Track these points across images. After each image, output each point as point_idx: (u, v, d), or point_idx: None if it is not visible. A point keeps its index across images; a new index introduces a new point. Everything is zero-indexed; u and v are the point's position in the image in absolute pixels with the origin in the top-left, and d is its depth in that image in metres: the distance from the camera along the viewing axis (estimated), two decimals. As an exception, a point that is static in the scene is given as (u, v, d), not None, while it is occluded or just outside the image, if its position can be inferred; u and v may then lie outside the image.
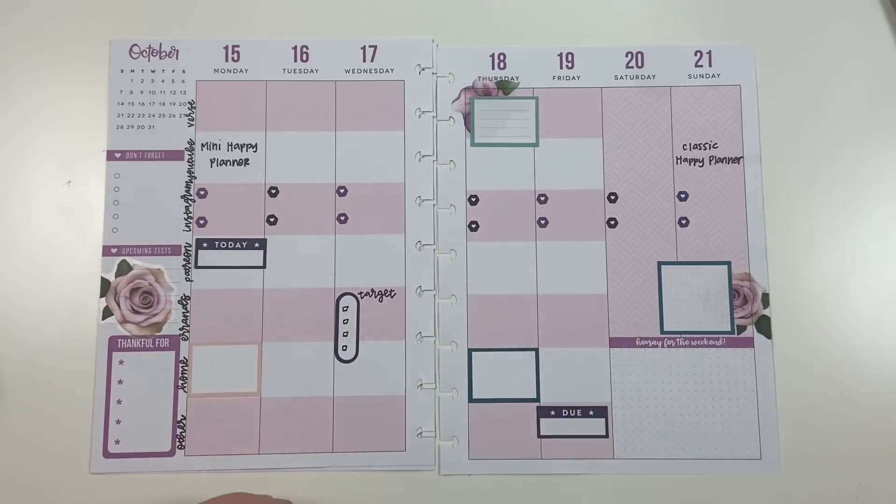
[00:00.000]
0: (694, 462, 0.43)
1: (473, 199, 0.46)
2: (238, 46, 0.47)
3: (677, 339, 0.45)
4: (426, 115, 0.46)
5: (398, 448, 0.43)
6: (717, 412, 0.44)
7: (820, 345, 0.44)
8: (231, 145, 0.46)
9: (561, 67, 0.47)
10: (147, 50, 0.47)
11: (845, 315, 0.45)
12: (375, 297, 0.45)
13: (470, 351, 0.44)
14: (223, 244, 0.45)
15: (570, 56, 0.47)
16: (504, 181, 0.46)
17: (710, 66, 0.47)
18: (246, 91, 0.46)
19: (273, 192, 0.46)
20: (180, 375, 0.44)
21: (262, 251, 0.45)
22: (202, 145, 0.46)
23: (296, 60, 0.47)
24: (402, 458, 0.43)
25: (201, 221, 0.45)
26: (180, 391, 0.44)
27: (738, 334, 0.45)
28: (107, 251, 0.45)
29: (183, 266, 0.45)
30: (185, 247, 0.45)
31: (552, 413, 0.44)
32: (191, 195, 0.45)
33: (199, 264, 0.45)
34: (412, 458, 0.43)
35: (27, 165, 0.46)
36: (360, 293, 0.45)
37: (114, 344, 0.44)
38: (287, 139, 0.46)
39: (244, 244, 0.45)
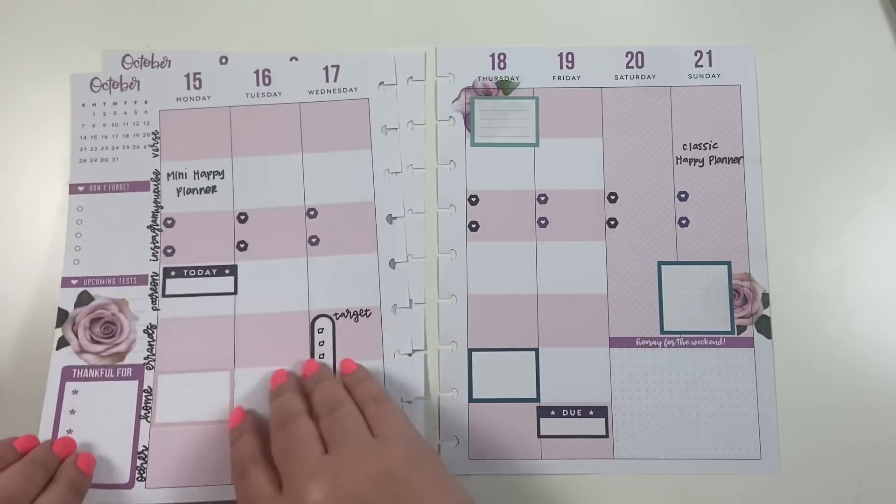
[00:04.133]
0: (694, 462, 0.43)
1: (473, 199, 0.46)
2: (199, 74, 0.46)
3: (677, 339, 0.45)
4: (392, 133, 0.46)
5: None
6: (717, 412, 0.44)
7: (820, 345, 0.44)
8: (197, 173, 0.45)
9: (561, 67, 0.47)
10: (108, 83, 0.46)
11: (845, 315, 0.45)
12: (351, 317, 0.44)
13: (470, 351, 0.44)
14: (192, 272, 0.44)
15: (570, 56, 0.47)
16: (504, 181, 0.46)
17: (710, 66, 0.47)
18: (210, 118, 0.46)
19: (242, 217, 0.45)
20: (143, 405, 0.43)
21: (232, 277, 0.44)
22: (168, 175, 0.45)
23: (258, 84, 0.46)
24: None
25: (169, 250, 0.45)
26: (143, 421, 0.43)
27: (738, 334, 0.45)
28: (66, 283, 0.44)
29: (149, 295, 0.44)
30: (151, 276, 0.44)
31: (552, 413, 0.44)
32: (157, 225, 0.45)
33: (166, 293, 0.44)
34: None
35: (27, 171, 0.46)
36: (336, 314, 0.44)
37: (67, 374, 0.43)
38: (254, 164, 0.45)
39: (214, 271, 0.44)
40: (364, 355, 0.44)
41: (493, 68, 0.47)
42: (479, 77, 0.47)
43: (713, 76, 0.47)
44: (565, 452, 0.43)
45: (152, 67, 0.46)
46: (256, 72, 0.46)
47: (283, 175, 0.45)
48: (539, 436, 0.44)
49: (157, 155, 0.45)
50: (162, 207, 0.45)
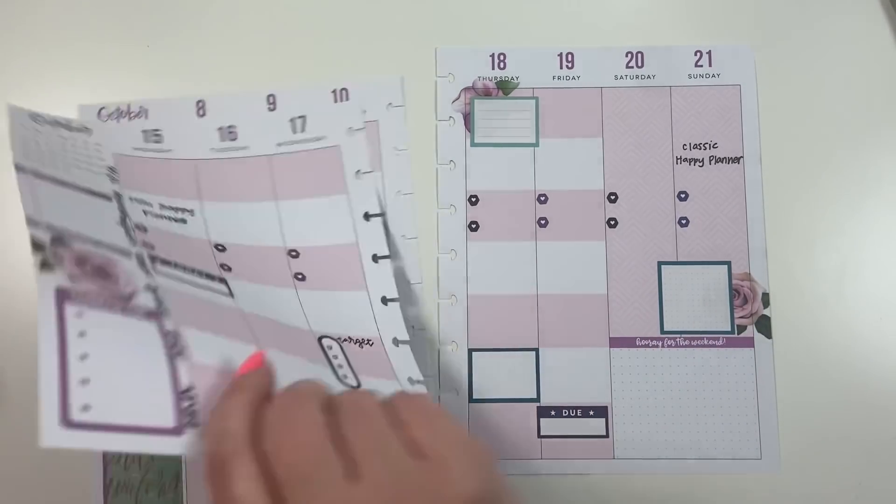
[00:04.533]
0: (694, 462, 0.43)
1: (473, 199, 0.46)
2: (158, 131, 0.44)
3: (677, 339, 0.45)
4: (366, 176, 0.44)
5: None
6: (717, 412, 0.44)
7: (820, 345, 0.44)
8: (164, 206, 0.41)
9: (561, 67, 0.47)
10: (52, 122, 0.39)
11: (845, 315, 0.45)
12: (355, 343, 0.43)
13: (470, 351, 0.44)
14: (178, 269, 0.39)
15: (570, 56, 0.47)
16: (504, 181, 0.46)
17: (710, 66, 0.47)
18: (172, 167, 0.43)
19: (220, 248, 0.42)
20: (172, 343, 0.33)
21: (224, 285, 0.40)
22: (131, 199, 0.39)
23: (223, 140, 0.45)
24: None
25: (149, 247, 0.38)
26: (179, 357, 0.32)
27: (738, 334, 0.45)
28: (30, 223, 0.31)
29: (140, 267, 0.35)
30: (136, 255, 0.35)
31: (552, 413, 0.44)
32: (130, 228, 0.37)
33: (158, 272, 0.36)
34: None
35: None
36: (340, 338, 0.42)
37: (64, 295, 0.30)
38: (226, 208, 0.43)
39: (203, 275, 0.40)
40: (380, 375, 0.42)
41: (493, 68, 0.47)
42: (479, 77, 0.47)
43: (713, 76, 0.47)
44: (565, 452, 0.43)
45: (129, 119, 0.45)
46: (220, 128, 0.45)
47: (259, 219, 0.43)
48: (539, 436, 0.44)
49: (116, 181, 0.39)
50: (129, 216, 0.37)
